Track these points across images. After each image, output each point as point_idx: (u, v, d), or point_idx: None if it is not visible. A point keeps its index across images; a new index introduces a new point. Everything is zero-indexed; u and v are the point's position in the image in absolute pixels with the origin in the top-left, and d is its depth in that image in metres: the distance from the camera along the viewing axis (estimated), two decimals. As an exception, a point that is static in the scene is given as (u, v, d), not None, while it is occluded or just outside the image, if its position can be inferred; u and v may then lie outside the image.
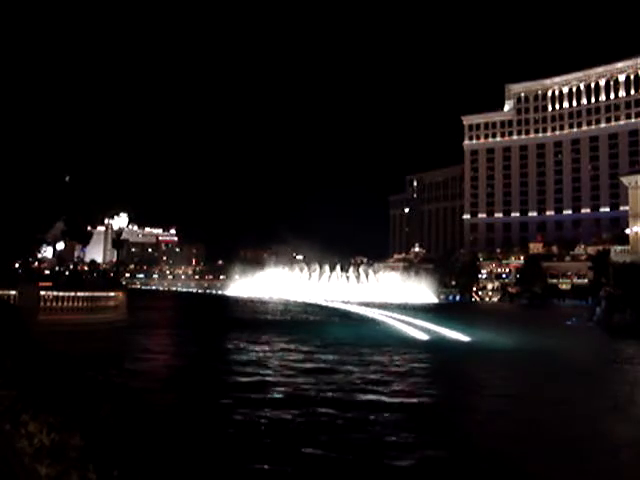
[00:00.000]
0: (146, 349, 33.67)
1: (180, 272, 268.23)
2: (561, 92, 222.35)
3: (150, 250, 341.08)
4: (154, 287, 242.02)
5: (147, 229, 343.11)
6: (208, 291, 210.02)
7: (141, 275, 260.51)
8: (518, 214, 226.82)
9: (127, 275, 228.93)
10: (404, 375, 27.06)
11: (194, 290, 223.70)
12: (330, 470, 13.07)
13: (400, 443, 15.05)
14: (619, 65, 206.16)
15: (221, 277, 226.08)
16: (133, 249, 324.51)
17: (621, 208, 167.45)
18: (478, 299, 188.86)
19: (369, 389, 22.77)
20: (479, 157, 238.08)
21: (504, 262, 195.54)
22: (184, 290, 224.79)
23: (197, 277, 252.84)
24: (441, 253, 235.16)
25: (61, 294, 28.58)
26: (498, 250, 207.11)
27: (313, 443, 14.57)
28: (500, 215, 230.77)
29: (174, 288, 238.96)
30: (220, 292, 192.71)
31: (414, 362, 31.45)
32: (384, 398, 21.01)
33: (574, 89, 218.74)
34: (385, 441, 15.13)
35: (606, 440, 16.77)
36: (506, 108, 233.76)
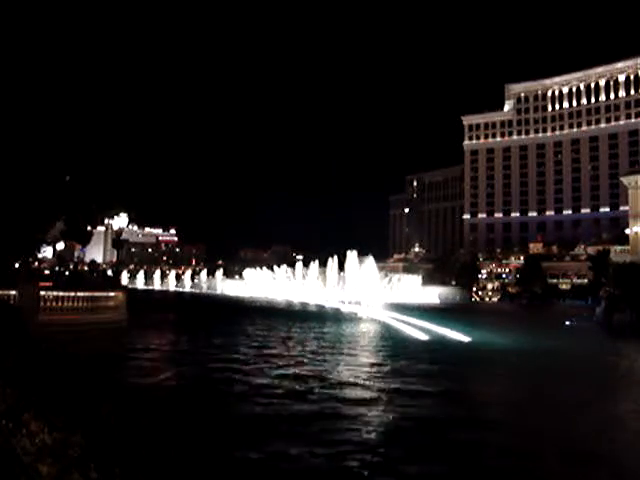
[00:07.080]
0: (146, 349, 33.66)
1: (180, 272, 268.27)
2: (561, 92, 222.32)
3: (150, 250, 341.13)
4: (155, 288, 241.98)
5: (147, 229, 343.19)
6: (208, 291, 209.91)
7: (141, 275, 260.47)
8: (518, 214, 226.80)
9: (127, 275, 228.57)
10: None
11: (194, 290, 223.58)
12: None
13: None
14: (619, 65, 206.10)
15: (221, 277, 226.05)
16: (133, 249, 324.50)
17: (621, 208, 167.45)
18: (478, 299, 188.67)
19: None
20: (479, 157, 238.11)
21: (504, 262, 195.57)
22: (184, 290, 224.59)
23: (197, 277, 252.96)
24: (441, 253, 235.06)
25: (61, 294, 28.60)
26: (498, 250, 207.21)
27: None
28: (500, 215, 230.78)
29: (174, 288, 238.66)
30: (219, 293, 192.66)
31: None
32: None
33: (574, 89, 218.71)
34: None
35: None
36: (506, 108, 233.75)
